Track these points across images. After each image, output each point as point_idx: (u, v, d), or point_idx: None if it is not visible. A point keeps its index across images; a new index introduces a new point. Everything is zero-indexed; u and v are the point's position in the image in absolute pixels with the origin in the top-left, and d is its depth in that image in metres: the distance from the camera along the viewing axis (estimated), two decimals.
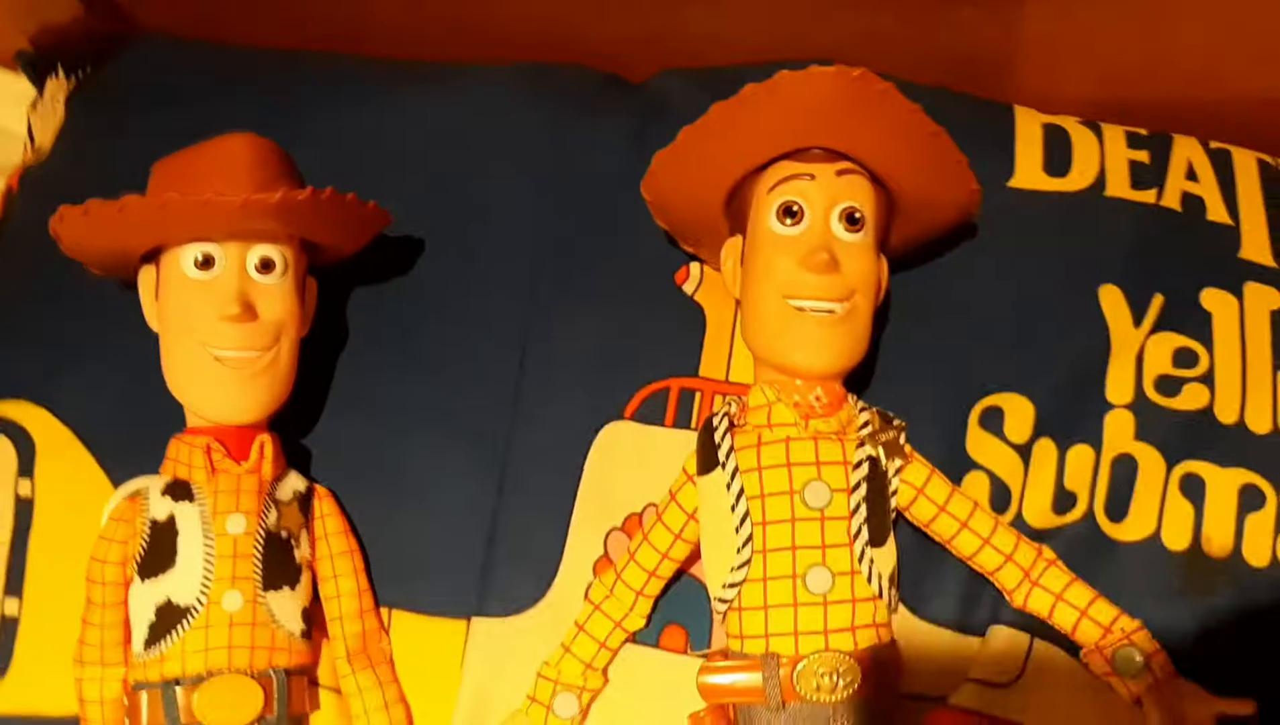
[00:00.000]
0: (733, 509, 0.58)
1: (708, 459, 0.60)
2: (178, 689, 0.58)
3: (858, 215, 0.61)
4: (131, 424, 0.68)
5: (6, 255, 0.76)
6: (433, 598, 0.66)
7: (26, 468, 0.68)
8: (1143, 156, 0.77)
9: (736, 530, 0.58)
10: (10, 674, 0.65)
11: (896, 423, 0.60)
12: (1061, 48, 0.88)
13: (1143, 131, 0.79)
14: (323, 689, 0.65)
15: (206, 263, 0.61)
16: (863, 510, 0.58)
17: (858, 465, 0.58)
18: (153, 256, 0.63)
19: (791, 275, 0.59)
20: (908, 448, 0.60)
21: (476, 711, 0.65)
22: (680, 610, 0.65)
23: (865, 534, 0.57)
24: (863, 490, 0.58)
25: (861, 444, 0.59)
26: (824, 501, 0.58)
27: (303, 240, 0.64)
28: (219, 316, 0.60)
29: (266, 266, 0.62)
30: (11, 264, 0.75)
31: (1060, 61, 0.88)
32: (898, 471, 0.60)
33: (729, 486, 0.59)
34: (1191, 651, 0.60)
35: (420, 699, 0.66)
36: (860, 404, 0.61)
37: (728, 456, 0.59)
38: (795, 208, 0.60)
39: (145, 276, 0.64)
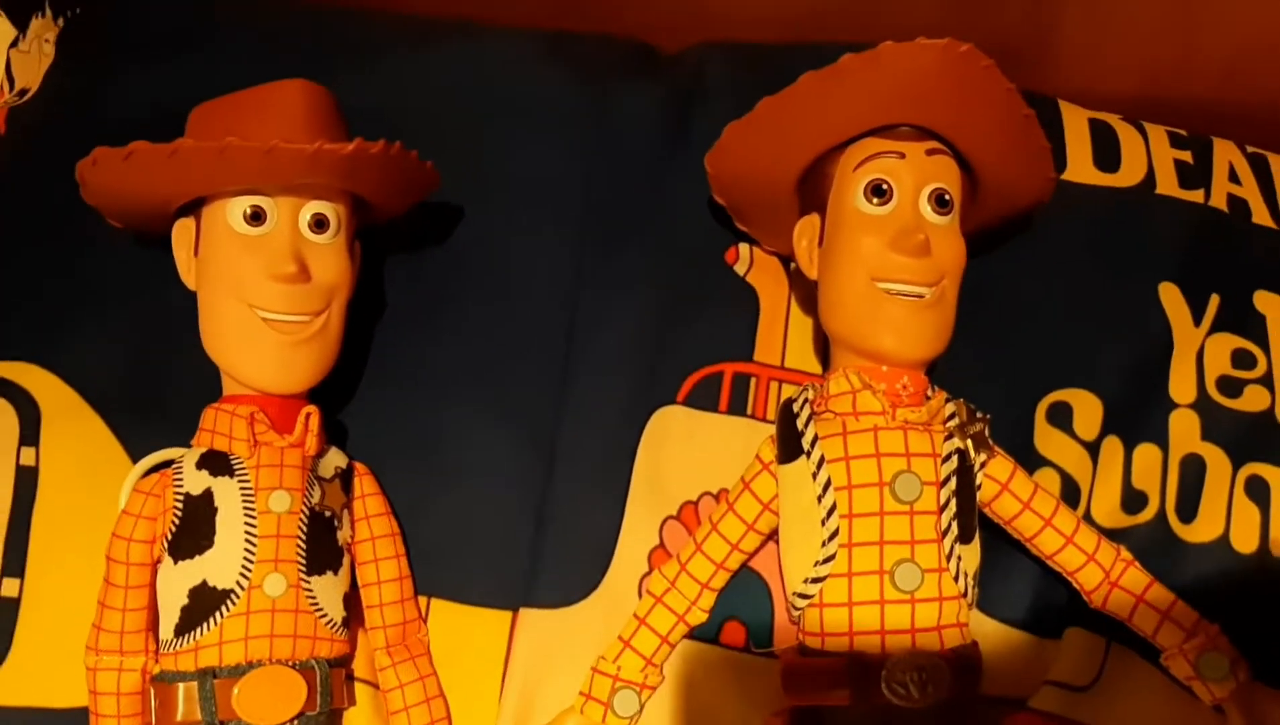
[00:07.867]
0: (819, 500, 0.55)
1: (789, 447, 0.57)
2: (215, 681, 0.53)
3: (947, 197, 0.58)
4: (148, 389, 0.63)
5: None
6: (478, 586, 0.62)
7: (30, 435, 0.62)
8: (1186, 156, 0.76)
9: (823, 523, 0.55)
10: (9, 662, 0.59)
11: (981, 416, 0.58)
12: (1098, 43, 0.87)
13: (1182, 132, 0.79)
14: (358, 682, 0.60)
15: (257, 217, 0.56)
16: (952, 505, 0.55)
17: (946, 458, 0.56)
18: (190, 209, 0.58)
19: (881, 257, 0.57)
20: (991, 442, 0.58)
21: (523, 707, 0.61)
22: (739, 605, 0.62)
23: (955, 530, 0.55)
24: (952, 484, 0.56)
25: (949, 436, 0.57)
26: (914, 495, 0.55)
27: (352, 200, 0.59)
28: (270, 275, 0.55)
29: (320, 225, 0.57)
30: (5, 212, 0.68)
31: (1097, 57, 0.87)
32: (982, 466, 0.58)
33: (815, 476, 0.56)
34: (1261, 655, 0.58)
35: (458, 694, 0.61)
36: (944, 394, 0.58)
37: (813, 445, 0.56)
38: (885, 187, 0.58)
39: (182, 230, 0.58)
